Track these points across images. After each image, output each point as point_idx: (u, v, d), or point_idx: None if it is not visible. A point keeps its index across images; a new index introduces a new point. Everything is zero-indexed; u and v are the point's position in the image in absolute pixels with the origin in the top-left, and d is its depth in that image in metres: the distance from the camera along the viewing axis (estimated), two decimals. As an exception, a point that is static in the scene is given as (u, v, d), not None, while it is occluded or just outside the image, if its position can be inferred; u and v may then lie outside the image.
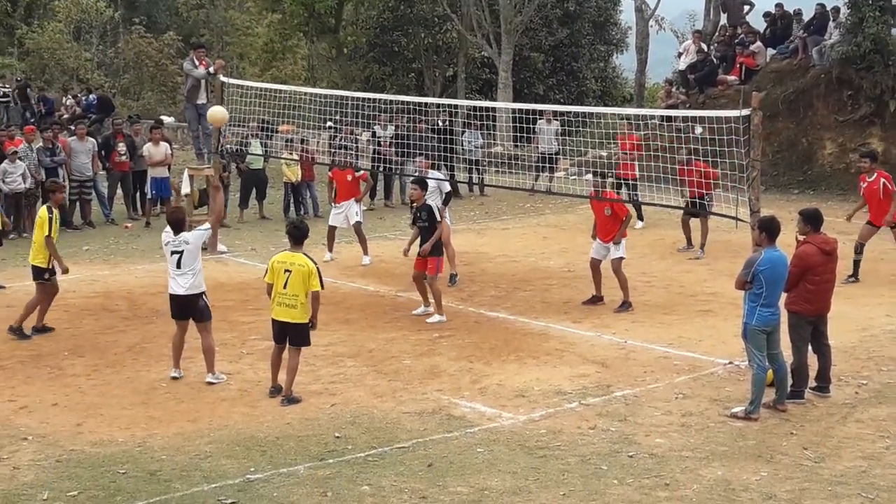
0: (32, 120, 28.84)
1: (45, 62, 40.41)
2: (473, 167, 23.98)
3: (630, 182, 18.68)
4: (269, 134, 21.44)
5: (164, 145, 21.10)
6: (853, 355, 11.28)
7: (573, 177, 23.22)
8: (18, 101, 32.04)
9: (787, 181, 23.36)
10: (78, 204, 20.43)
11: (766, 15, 26.53)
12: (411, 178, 14.80)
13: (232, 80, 18.65)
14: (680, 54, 27.71)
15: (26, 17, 43.22)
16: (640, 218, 19.05)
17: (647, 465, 8.42)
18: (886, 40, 22.62)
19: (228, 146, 18.63)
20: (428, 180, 14.32)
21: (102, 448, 8.93)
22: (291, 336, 10.10)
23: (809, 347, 9.97)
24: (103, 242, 18.79)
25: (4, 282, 15.28)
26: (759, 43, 25.45)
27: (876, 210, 14.96)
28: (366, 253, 16.69)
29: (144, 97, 40.00)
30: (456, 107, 24.85)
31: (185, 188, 18.87)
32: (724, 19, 29.15)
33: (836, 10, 24.00)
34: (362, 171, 17.46)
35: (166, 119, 30.16)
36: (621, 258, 13.48)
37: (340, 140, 20.38)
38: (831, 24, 23.91)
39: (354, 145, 20.43)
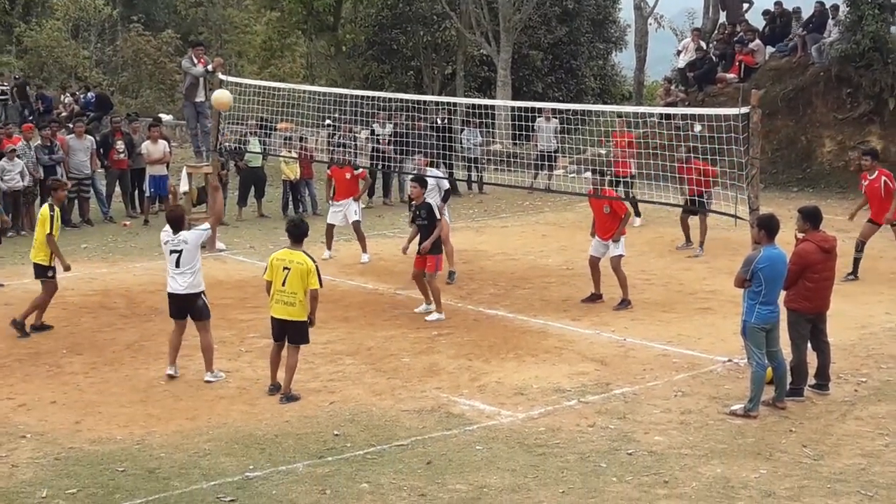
0: (31, 118, 28.84)
1: (43, 60, 40.42)
2: (472, 165, 23.97)
3: (625, 180, 18.68)
4: (268, 132, 21.42)
5: (162, 143, 21.09)
6: (852, 353, 11.28)
7: (572, 175, 23.23)
8: (17, 98, 32.05)
9: (786, 179, 23.36)
10: (76, 202, 20.41)
11: (766, 13, 26.55)
12: (411, 177, 14.79)
13: (230, 78, 18.63)
14: (679, 52, 27.71)
15: (24, 15, 43.21)
16: (637, 214, 19.06)
17: (646, 463, 8.41)
18: (885, 38, 22.62)
19: (227, 144, 18.61)
20: (427, 178, 14.31)
21: (101, 446, 8.92)
22: (290, 334, 10.09)
23: (809, 345, 9.96)
24: (101, 240, 18.79)
25: (3, 280, 15.27)
26: (758, 41, 25.45)
27: (877, 208, 14.96)
28: (364, 251, 16.69)
29: (143, 95, 40.01)
30: (455, 105, 24.84)
31: (184, 186, 18.86)
32: (723, 17, 29.20)
33: (836, 7, 23.99)
34: (361, 169, 17.45)
35: (165, 117, 30.14)
36: (620, 256, 13.48)
37: (339, 138, 20.36)
38: (830, 21, 23.92)
39: (353, 143, 20.42)
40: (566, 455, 8.58)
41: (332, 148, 20.48)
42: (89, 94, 31.49)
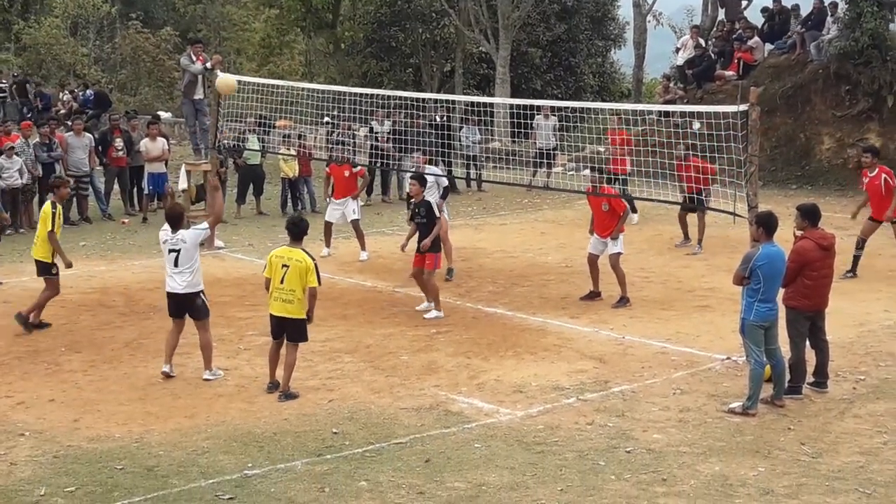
0: (29, 115, 28.79)
1: (41, 57, 40.39)
2: (471, 163, 23.96)
3: (621, 177, 18.64)
4: (267, 129, 21.42)
5: (161, 141, 21.08)
6: (851, 351, 11.28)
7: (571, 172, 23.22)
8: (16, 96, 32.01)
9: (784, 176, 23.35)
10: (75, 200, 20.36)
11: (764, 10, 26.52)
12: (410, 174, 14.79)
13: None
14: (678, 49, 27.70)
15: (23, 13, 43.15)
16: (634, 211, 19.02)
17: (645, 461, 8.41)
18: (884, 35, 22.62)
19: (226, 141, 18.60)
20: (426, 176, 14.31)
21: (99, 444, 8.92)
22: (289, 331, 10.09)
23: (807, 343, 9.97)
24: (100, 238, 18.77)
25: (2, 278, 15.26)
26: (756, 38, 25.44)
27: (877, 205, 14.94)
28: (363, 248, 16.68)
29: (141, 92, 39.99)
30: (453, 102, 24.82)
31: (183, 184, 18.85)
32: (721, 14, 29.18)
33: (834, 5, 23.99)
34: (360, 167, 17.45)
35: (163, 114, 30.12)
36: (619, 253, 13.48)
37: (338, 135, 20.35)
38: (829, 19, 23.92)
39: (352, 141, 20.41)
40: (565, 453, 8.59)
41: (330, 145, 20.47)
42: (88, 92, 31.43)
